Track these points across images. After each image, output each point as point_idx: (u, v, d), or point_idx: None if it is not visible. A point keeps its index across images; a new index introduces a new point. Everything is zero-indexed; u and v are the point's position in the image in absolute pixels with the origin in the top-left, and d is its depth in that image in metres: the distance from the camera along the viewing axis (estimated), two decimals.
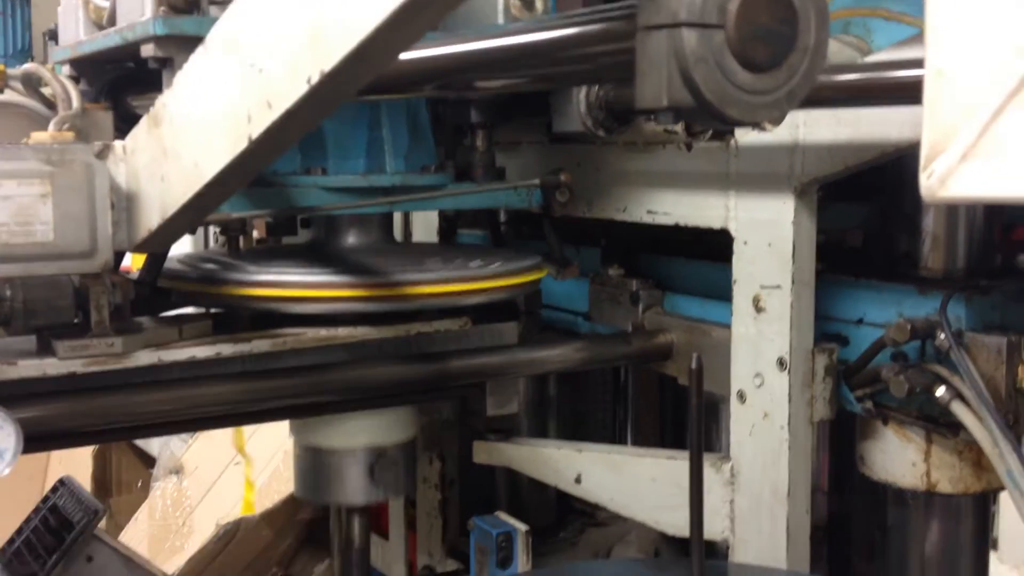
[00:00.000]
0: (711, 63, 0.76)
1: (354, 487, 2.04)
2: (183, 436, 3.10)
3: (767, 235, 1.85)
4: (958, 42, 0.59)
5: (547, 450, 2.23)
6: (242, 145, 1.15)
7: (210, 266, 1.91)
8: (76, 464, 3.45)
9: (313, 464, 2.06)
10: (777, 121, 0.82)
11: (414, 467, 2.18)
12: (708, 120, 0.76)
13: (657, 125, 1.89)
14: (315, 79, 1.00)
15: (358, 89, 1.10)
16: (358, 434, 2.03)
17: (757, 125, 0.76)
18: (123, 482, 3.60)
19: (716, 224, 1.96)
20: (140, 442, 3.50)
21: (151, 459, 3.53)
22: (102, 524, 2.11)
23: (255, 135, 1.12)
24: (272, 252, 2.14)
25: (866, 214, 2.11)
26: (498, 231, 2.56)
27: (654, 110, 0.78)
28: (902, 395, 1.72)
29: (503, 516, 2.14)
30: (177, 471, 3.02)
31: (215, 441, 3.00)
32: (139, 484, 3.54)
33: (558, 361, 2.12)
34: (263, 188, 1.90)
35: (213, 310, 1.92)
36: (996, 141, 0.57)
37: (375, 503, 2.17)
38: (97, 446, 3.51)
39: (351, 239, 2.11)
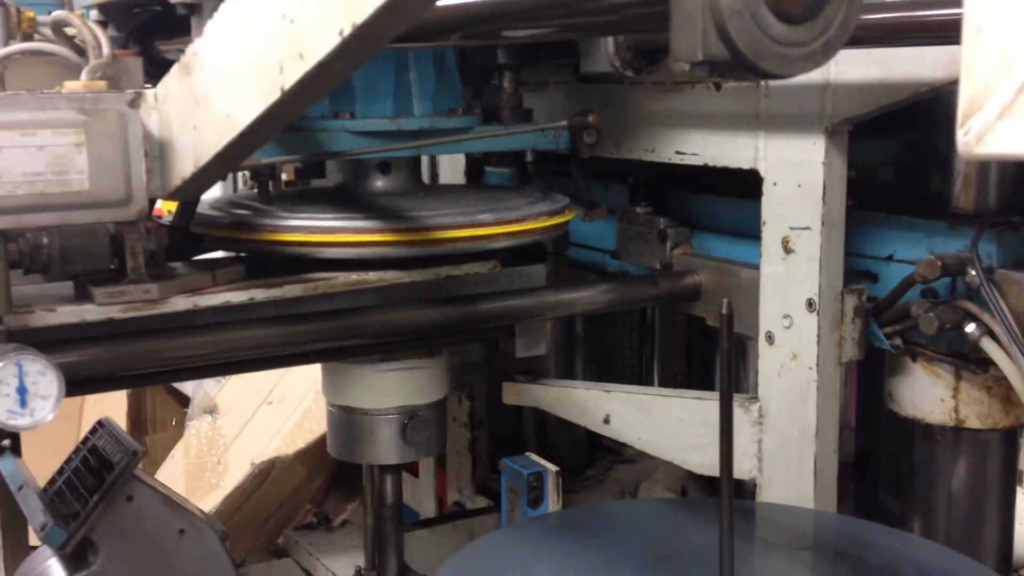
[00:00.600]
0: (746, 16, 0.76)
1: (386, 447, 2.10)
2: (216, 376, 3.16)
3: (797, 176, 1.84)
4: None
5: (576, 391, 2.25)
6: (274, 96, 1.16)
7: (242, 211, 1.93)
8: (111, 403, 3.52)
9: (346, 424, 2.11)
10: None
11: (444, 426, 2.22)
12: (743, 73, 0.76)
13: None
14: (347, 31, 1.00)
15: (389, 40, 1.10)
16: (390, 395, 2.07)
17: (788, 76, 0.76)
18: (158, 421, 3.67)
19: (745, 165, 1.95)
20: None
21: (185, 398, 3.59)
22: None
23: (287, 86, 1.13)
24: (302, 196, 2.15)
25: (898, 150, 2.09)
26: (525, 171, 2.56)
27: (690, 64, 0.78)
28: (932, 332, 1.72)
29: (533, 457, 2.17)
30: (211, 411, 3.07)
31: (248, 381, 3.05)
32: (173, 423, 3.60)
33: (586, 303, 2.13)
34: (292, 133, 1.90)
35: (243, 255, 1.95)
36: None
37: (407, 462, 2.21)
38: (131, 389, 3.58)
39: (379, 182, 2.12)
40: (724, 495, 1.40)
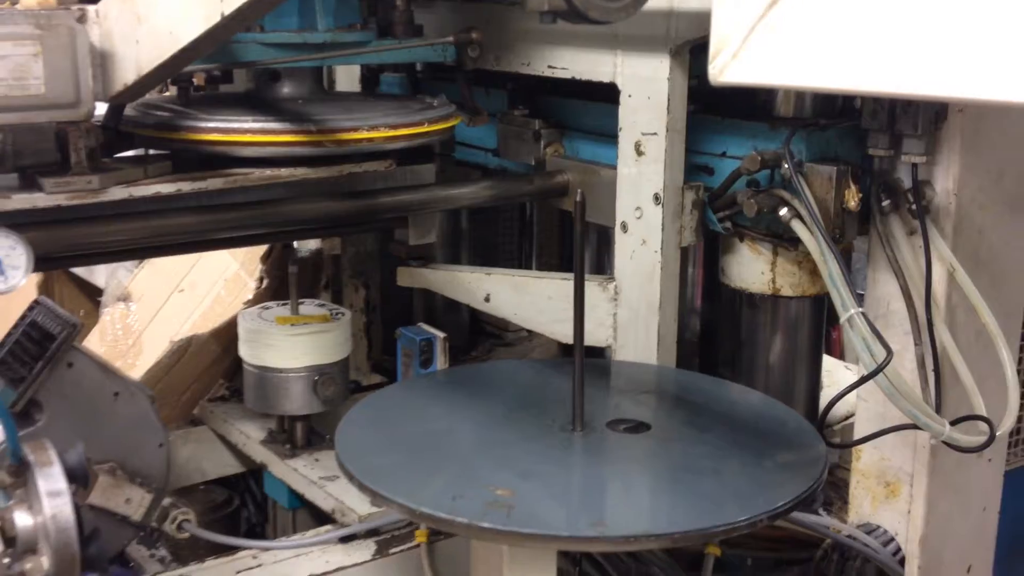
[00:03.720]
0: None
1: (299, 401, 2.51)
2: (128, 267, 3.38)
3: (647, 89, 2.18)
4: None
5: (461, 274, 2.58)
6: (214, 20, 1.43)
7: (164, 114, 2.18)
8: (20, 296, 3.70)
9: (263, 382, 2.50)
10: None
11: (347, 379, 2.62)
12: (578, 19, 1.07)
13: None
14: None
15: None
16: (302, 356, 2.45)
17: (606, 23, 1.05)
18: (67, 311, 3.86)
19: (606, 79, 2.28)
20: (84, 273, 3.77)
21: (92, 289, 3.80)
22: None
23: (227, 12, 1.40)
24: (217, 100, 2.40)
25: None
26: (415, 79, 2.84)
27: (540, 12, 1.09)
28: (752, 215, 2.08)
29: (424, 326, 2.53)
30: (125, 298, 3.31)
31: (160, 270, 3.29)
32: (82, 313, 3.81)
33: (469, 198, 2.46)
34: None
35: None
36: (749, 50, 0.89)
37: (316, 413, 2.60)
38: (41, 280, 3.77)
39: (286, 89, 2.38)
40: (577, 348, 1.76)
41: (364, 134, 2.17)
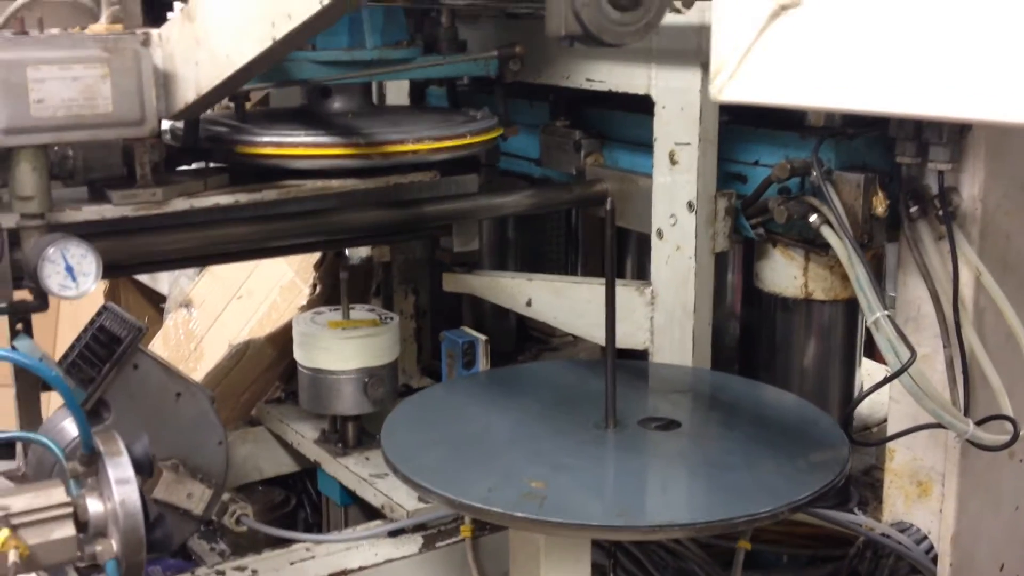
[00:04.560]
0: (593, 7, 1.16)
1: (350, 401, 2.62)
2: (190, 275, 3.54)
3: (680, 101, 2.27)
4: (725, 4, 0.99)
5: (503, 280, 2.69)
6: (267, 44, 1.55)
7: (222, 129, 2.30)
8: (86, 306, 3.88)
9: (316, 383, 2.63)
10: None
11: (396, 381, 2.74)
12: (592, 43, 1.16)
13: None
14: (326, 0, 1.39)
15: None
16: (352, 359, 2.58)
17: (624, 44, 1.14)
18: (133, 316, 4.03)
19: (641, 91, 2.37)
20: (149, 281, 3.94)
21: (157, 297, 3.97)
22: None
23: (278, 37, 1.52)
24: (272, 115, 2.53)
25: None
26: (455, 94, 2.94)
27: (557, 37, 1.19)
28: (783, 221, 2.16)
29: (467, 330, 2.63)
30: (187, 305, 3.46)
31: (219, 278, 3.44)
32: (146, 319, 3.98)
33: (511, 206, 2.56)
34: None
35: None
36: (745, 71, 0.98)
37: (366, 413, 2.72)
38: (107, 288, 3.95)
39: (337, 104, 2.50)
40: (609, 346, 1.85)
41: (410, 146, 2.28)
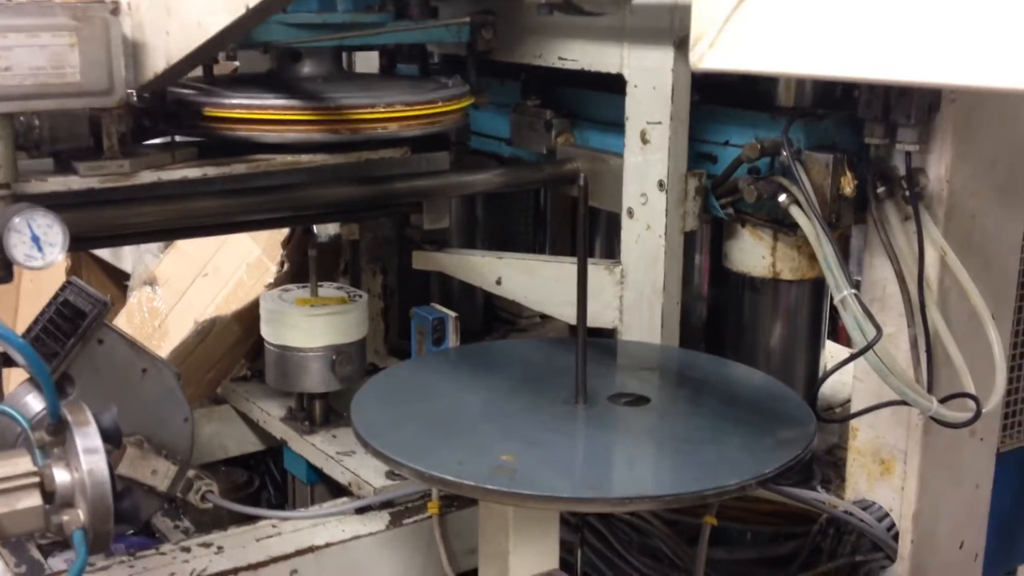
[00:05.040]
0: None
1: (317, 379, 2.60)
2: (154, 251, 3.50)
3: (652, 80, 2.27)
4: None
5: (473, 258, 2.68)
6: (240, 12, 1.53)
7: (189, 92, 2.26)
8: (48, 280, 3.83)
9: (283, 360, 2.60)
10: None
11: (364, 359, 2.71)
12: (571, 11, 1.16)
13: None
14: None
15: None
16: (320, 336, 2.54)
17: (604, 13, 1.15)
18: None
19: (614, 70, 2.37)
20: (112, 258, 3.90)
21: (120, 273, 3.93)
22: None
23: (251, 5, 1.50)
24: (240, 81, 2.49)
25: None
26: (426, 67, 2.92)
27: (538, 5, 1.19)
28: (752, 201, 2.17)
29: (437, 307, 2.63)
30: (151, 282, 3.43)
31: (185, 255, 3.41)
32: (108, 297, 3.93)
33: (482, 184, 2.56)
34: None
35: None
36: (725, 39, 0.98)
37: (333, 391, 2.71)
38: (69, 266, 3.90)
39: (307, 69, 2.46)
40: (580, 324, 1.85)
41: (381, 112, 2.25)
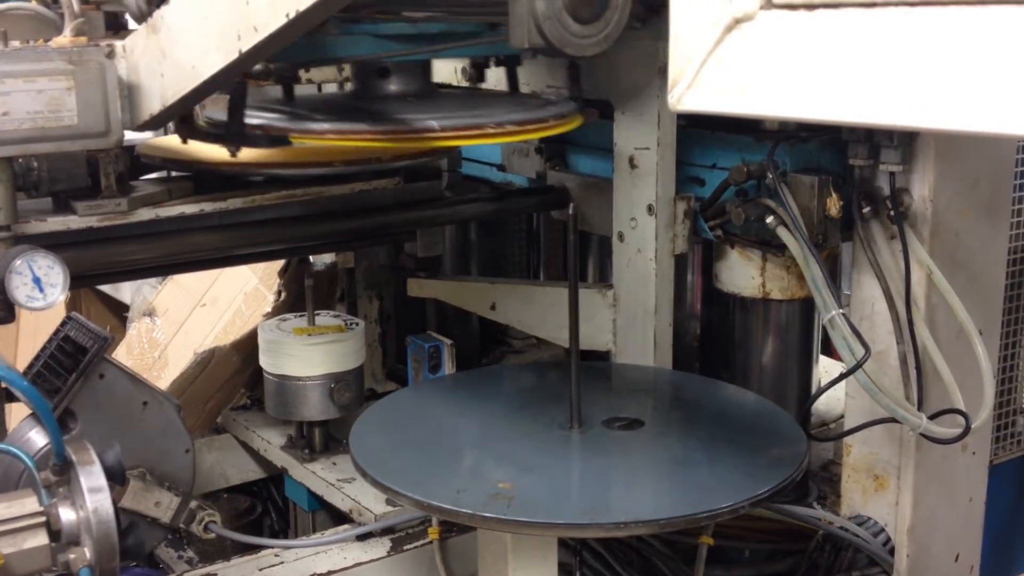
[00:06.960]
0: (554, 19, 1.20)
1: (316, 407, 2.62)
2: (153, 283, 3.53)
3: (639, 107, 2.31)
4: (683, 17, 1.03)
5: (468, 284, 2.72)
6: (233, 57, 1.57)
7: (271, 116, 2.21)
8: (47, 316, 3.86)
9: (282, 389, 2.63)
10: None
11: (362, 386, 2.73)
12: (555, 55, 1.20)
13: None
14: (292, 14, 1.42)
15: (331, 14, 1.50)
16: (318, 364, 2.57)
17: (587, 57, 1.18)
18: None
19: (601, 96, 2.41)
20: (111, 290, 3.93)
21: (120, 305, 3.96)
22: None
23: (244, 50, 1.54)
24: (323, 102, 2.39)
25: None
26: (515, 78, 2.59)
27: (521, 49, 1.22)
28: (740, 223, 2.21)
29: (433, 334, 2.66)
30: (150, 313, 3.46)
31: (182, 286, 3.44)
32: (108, 328, 3.96)
33: (474, 212, 2.60)
34: None
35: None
36: (703, 80, 1.02)
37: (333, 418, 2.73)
38: (68, 298, 3.93)
39: (394, 86, 2.21)
40: (572, 348, 1.89)
41: (491, 131, 2.05)
